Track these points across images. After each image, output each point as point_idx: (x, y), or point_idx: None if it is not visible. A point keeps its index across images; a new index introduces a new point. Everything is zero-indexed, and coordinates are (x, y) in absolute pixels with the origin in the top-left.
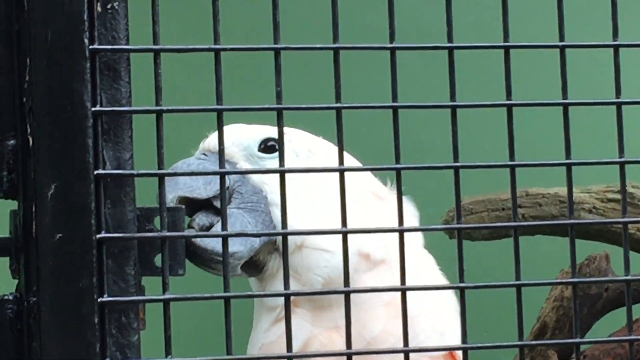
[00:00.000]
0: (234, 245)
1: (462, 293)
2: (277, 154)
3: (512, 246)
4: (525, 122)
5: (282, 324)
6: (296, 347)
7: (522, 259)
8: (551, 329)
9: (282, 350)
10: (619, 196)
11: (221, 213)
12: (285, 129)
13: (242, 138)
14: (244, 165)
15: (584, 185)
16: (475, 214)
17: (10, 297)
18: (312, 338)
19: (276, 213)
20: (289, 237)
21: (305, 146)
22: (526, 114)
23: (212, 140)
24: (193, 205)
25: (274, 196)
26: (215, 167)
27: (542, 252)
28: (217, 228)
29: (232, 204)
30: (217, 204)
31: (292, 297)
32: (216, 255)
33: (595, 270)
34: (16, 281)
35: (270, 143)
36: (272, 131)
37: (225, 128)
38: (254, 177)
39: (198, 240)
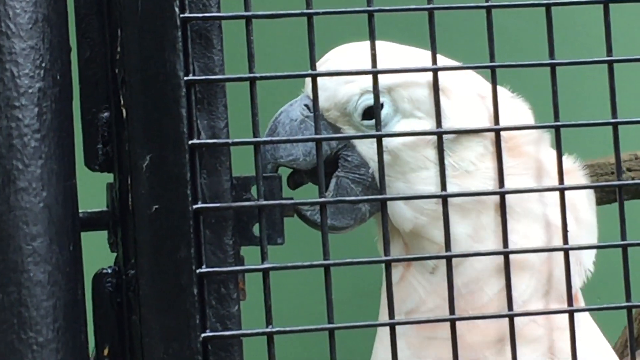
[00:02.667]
0: (344, 220)
1: (566, 255)
2: (384, 118)
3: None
4: (628, 82)
5: (403, 282)
6: (405, 309)
7: (632, 225)
8: None
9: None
10: None
11: (319, 182)
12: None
13: (343, 103)
14: (347, 130)
15: None
16: None
17: (109, 271)
18: (422, 304)
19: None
20: (404, 225)
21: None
22: (629, 72)
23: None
24: None
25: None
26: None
27: None
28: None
29: (340, 172)
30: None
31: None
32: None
33: None
34: (114, 255)
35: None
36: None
37: (323, 78)
38: (360, 146)
39: (307, 214)
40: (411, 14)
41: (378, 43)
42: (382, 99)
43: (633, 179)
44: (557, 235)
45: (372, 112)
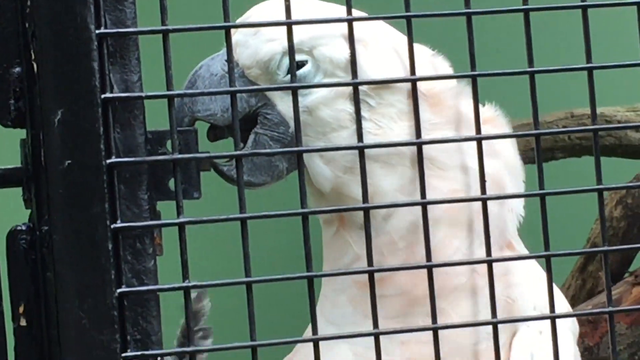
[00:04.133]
0: (261, 176)
1: (484, 205)
2: (306, 76)
3: (560, 170)
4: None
5: (338, 238)
6: (342, 264)
7: (570, 181)
8: None
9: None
10: None
11: (233, 135)
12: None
13: (265, 61)
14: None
15: (630, 104)
16: None
17: (23, 228)
18: (357, 259)
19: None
20: (324, 184)
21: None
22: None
23: (241, 51)
24: None
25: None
26: (237, 85)
27: (591, 174)
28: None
29: (259, 128)
30: (241, 126)
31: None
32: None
33: None
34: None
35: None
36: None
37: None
38: (280, 104)
39: (224, 170)
40: None
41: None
42: (304, 58)
43: (570, 137)
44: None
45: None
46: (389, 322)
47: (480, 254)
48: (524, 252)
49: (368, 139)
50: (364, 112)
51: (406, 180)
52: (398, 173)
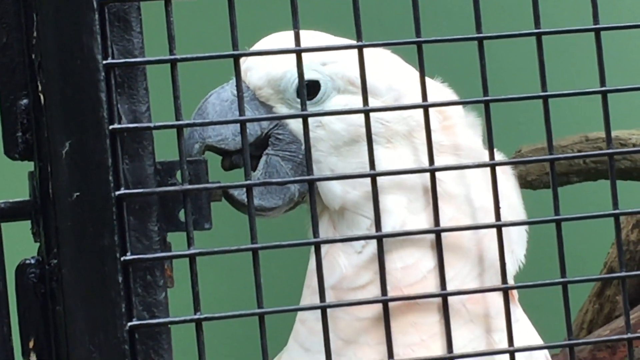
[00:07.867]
0: (272, 199)
1: (499, 231)
2: (316, 98)
3: (576, 194)
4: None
5: (326, 261)
6: (328, 284)
7: (586, 205)
8: None
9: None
10: None
11: (244, 164)
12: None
13: (277, 79)
14: (280, 109)
15: None
16: None
17: (32, 261)
18: (343, 279)
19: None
20: (334, 202)
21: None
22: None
23: (251, 74)
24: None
25: (315, 153)
26: (250, 110)
27: (607, 197)
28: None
29: (270, 150)
30: (253, 151)
31: None
32: (258, 210)
33: None
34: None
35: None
36: (309, 71)
37: (256, 60)
38: (292, 123)
39: (235, 194)
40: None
41: (308, 32)
42: (318, 75)
43: (585, 162)
44: (484, 218)
45: (307, 89)
46: (342, 344)
47: (477, 285)
48: (516, 295)
49: (379, 153)
50: (377, 128)
51: (413, 198)
52: (407, 189)
